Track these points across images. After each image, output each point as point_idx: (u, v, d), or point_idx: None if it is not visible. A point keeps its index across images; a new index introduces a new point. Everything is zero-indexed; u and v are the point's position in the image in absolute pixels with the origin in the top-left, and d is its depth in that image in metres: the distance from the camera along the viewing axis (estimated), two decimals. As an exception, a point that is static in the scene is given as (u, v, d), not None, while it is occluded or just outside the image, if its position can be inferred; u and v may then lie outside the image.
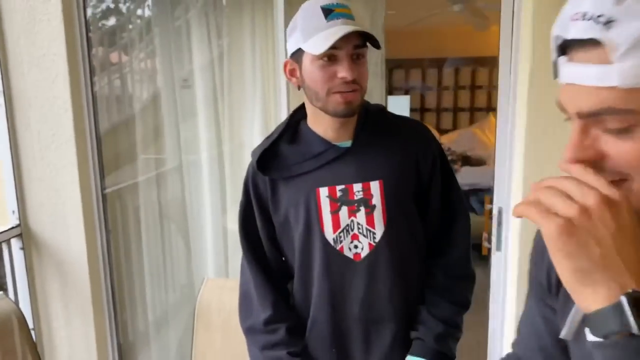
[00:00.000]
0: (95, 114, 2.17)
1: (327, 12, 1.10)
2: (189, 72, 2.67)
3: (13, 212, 2.16)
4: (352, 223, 1.22)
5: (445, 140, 6.03)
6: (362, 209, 1.22)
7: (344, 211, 1.22)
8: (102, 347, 2.28)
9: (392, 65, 6.55)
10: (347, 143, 1.24)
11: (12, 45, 2.05)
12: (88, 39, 2.11)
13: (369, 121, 1.26)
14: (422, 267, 1.32)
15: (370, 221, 1.22)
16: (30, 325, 2.24)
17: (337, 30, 1.08)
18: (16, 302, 2.21)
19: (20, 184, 2.15)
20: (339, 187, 1.22)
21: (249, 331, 1.32)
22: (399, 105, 2.62)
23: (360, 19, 1.18)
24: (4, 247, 2.16)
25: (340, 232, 1.22)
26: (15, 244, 2.18)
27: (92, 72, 2.14)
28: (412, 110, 6.76)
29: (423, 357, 1.24)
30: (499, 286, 2.10)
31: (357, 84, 1.15)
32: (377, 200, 1.21)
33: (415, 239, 1.29)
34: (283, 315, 1.30)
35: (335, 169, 1.23)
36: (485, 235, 2.17)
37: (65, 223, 2.18)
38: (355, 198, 1.21)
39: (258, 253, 1.32)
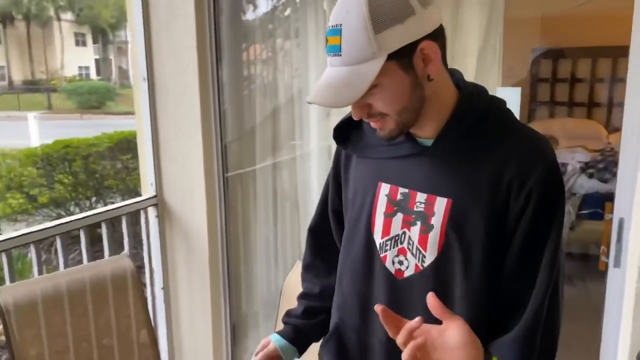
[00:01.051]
0: (220, 104, 2.38)
1: (326, 41, 0.94)
2: (302, 60, 2.75)
3: (151, 184, 2.48)
4: (403, 235, 1.04)
5: (614, 140, 5.38)
6: (419, 223, 1.02)
7: (398, 218, 1.04)
8: (216, 315, 2.53)
9: (551, 55, 6.02)
10: (430, 141, 1.02)
11: (155, 37, 2.34)
12: (217, 33, 2.32)
13: (466, 120, 0.98)
14: (475, 320, 0.97)
15: (422, 241, 1.01)
16: (161, 285, 2.57)
17: (319, 84, 0.94)
18: (149, 262, 2.55)
19: (158, 160, 2.46)
20: (401, 190, 1.04)
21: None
22: (506, 99, 2.36)
23: (355, 43, 0.89)
24: (142, 214, 2.49)
25: (387, 240, 1.06)
26: (152, 212, 2.51)
27: (219, 64, 2.35)
28: (574, 104, 6.17)
29: None
30: (614, 305, 1.87)
31: (374, 117, 0.97)
32: (437, 220, 0.99)
33: (472, 284, 1.00)
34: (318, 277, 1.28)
35: (406, 167, 1.04)
36: (603, 248, 1.95)
37: (191, 199, 2.44)
38: (415, 209, 1.02)
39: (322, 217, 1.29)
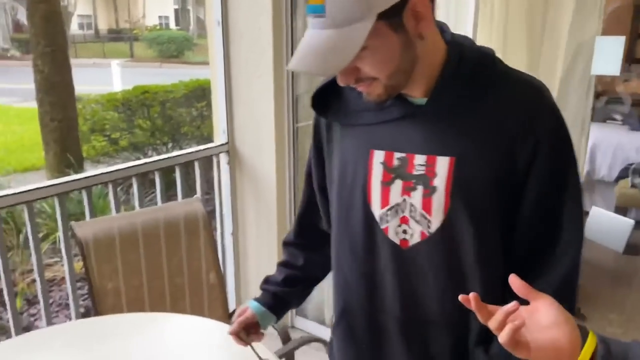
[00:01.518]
0: (293, 51, 2.33)
1: None
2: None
3: (223, 131, 2.50)
4: (403, 203, 0.96)
5: None
6: (420, 188, 0.94)
7: (397, 185, 0.96)
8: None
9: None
10: (423, 100, 0.94)
11: (230, -18, 2.30)
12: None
13: (459, 73, 0.91)
14: (491, 286, 0.96)
15: (427, 205, 0.94)
16: (230, 230, 2.64)
17: (301, 48, 0.85)
18: (220, 207, 2.61)
19: (230, 107, 2.47)
20: (397, 155, 0.95)
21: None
22: (605, 51, 2.05)
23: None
24: (214, 160, 2.53)
25: (388, 210, 0.97)
26: (223, 158, 2.54)
27: (293, 9, 2.29)
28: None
29: None
30: None
31: (362, 81, 0.89)
32: (440, 181, 0.92)
33: (485, 247, 0.95)
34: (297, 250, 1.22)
35: (399, 130, 0.96)
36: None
37: (261, 147, 2.45)
38: (414, 172, 0.94)
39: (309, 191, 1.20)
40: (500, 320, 0.72)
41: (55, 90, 5.30)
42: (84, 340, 1.40)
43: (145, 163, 2.23)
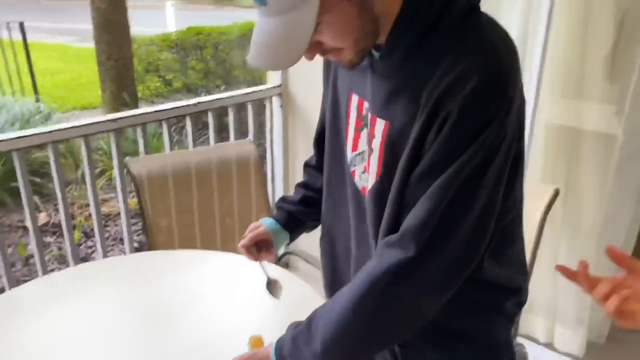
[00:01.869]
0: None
1: None
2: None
3: (276, 73, 2.45)
4: (364, 153, 0.93)
5: None
6: (373, 142, 0.91)
7: (364, 134, 0.92)
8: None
9: None
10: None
11: None
12: None
13: (408, 34, 0.79)
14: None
15: (368, 164, 0.92)
16: (280, 175, 2.62)
17: (254, 41, 0.80)
18: (271, 150, 2.59)
19: (285, 48, 2.40)
20: (366, 104, 0.91)
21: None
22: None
23: None
24: (267, 103, 2.49)
25: (356, 155, 0.95)
26: (276, 102, 2.50)
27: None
28: None
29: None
30: None
31: (328, 52, 0.83)
32: (376, 144, 0.88)
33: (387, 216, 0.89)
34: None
35: (367, 79, 0.89)
36: None
37: (314, 90, 2.38)
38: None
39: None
40: (605, 291, 0.71)
41: (112, 29, 5.34)
42: (137, 273, 1.43)
43: (199, 103, 2.22)
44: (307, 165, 1.25)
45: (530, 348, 1.52)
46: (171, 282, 1.37)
